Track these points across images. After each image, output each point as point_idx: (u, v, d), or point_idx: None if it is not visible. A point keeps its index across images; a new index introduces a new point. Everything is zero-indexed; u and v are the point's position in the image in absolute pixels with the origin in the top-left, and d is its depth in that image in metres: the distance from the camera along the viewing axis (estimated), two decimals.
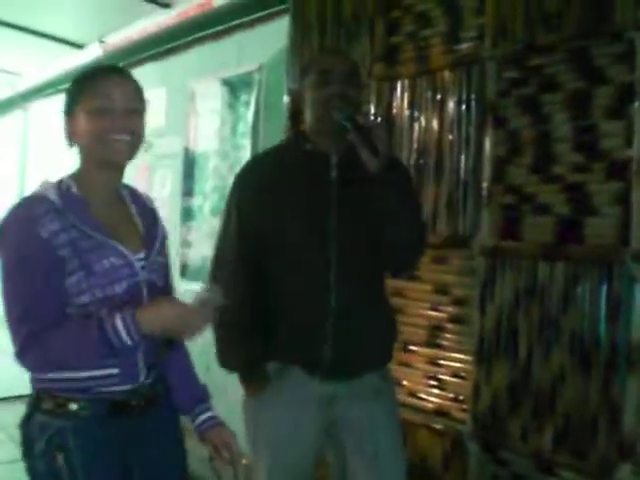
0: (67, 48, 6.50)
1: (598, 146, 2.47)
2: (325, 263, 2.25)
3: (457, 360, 2.90)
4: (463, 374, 2.89)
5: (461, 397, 2.90)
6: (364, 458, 2.32)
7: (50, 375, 1.80)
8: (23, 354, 1.74)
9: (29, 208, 1.74)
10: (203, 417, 2.03)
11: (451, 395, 2.94)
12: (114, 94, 1.78)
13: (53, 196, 1.76)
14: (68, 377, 1.79)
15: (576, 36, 2.51)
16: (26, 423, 1.84)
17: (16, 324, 1.74)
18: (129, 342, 1.70)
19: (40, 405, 1.82)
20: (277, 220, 2.29)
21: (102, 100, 1.76)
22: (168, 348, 1.84)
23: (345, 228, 2.26)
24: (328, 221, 2.26)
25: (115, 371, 1.81)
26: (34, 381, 1.85)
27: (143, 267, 1.84)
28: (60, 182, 1.83)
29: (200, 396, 2.07)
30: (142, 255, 1.86)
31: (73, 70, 6.76)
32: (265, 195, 2.32)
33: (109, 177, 1.87)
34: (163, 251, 1.97)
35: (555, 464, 2.54)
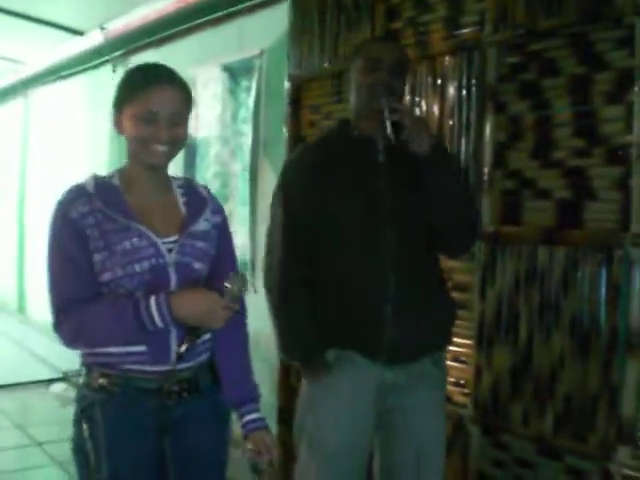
0: (68, 35, 6.49)
1: (598, 131, 2.48)
2: (382, 247, 2.25)
3: (458, 345, 2.90)
4: (464, 359, 2.91)
5: (462, 381, 2.91)
6: (409, 447, 2.35)
7: (91, 350, 1.90)
8: (57, 326, 1.86)
9: (67, 194, 1.89)
10: (250, 417, 2.04)
11: (452, 379, 2.94)
12: (161, 104, 1.85)
13: (89, 184, 1.90)
14: (99, 352, 1.88)
15: (576, 21, 2.51)
16: (75, 395, 1.96)
17: (50, 298, 1.88)
18: (161, 324, 1.78)
19: (85, 379, 1.92)
20: (330, 206, 2.30)
21: (148, 111, 1.84)
22: (194, 337, 1.85)
23: (399, 211, 2.27)
24: (382, 205, 2.27)
25: (143, 349, 1.85)
26: (81, 356, 1.94)
27: (170, 250, 1.89)
28: (106, 175, 1.97)
29: (251, 395, 2.08)
30: (173, 239, 1.91)
31: (74, 57, 6.78)
32: (318, 180, 2.33)
33: (150, 173, 1.95)
34: (208, 238, 1.99)
35: (556, 447, 2.56)
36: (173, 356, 1.87)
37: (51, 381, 5.46)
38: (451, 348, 2.91)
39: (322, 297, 2.33)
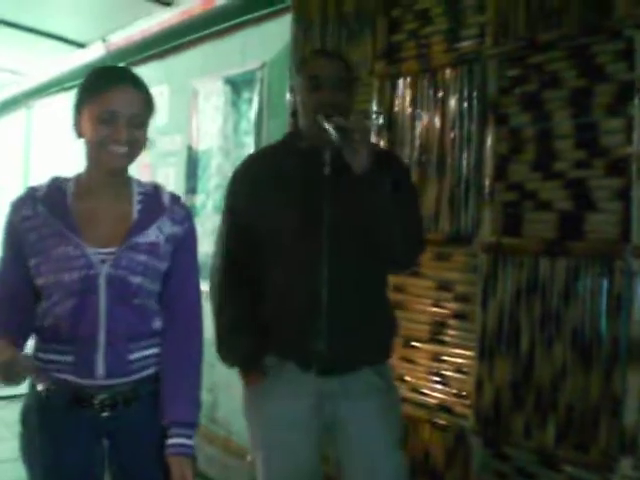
0: (70, 47, 6.51)
1: (599, 143, 2.49)
2: (317, 257, 2.26)
3: (460, 356, 2.91)
4: (466, 370, 2.90)
5: (464, 393, 2.91)
6: (355, 460, 2.35)
7: (32, 354, 1.94)
8: None
9: (18, 196, 1.94)
10: (173, 441, 1.93)
11: (454, 391, 2.95)
12: (119, 105, 1.84)
13: (42, 187, 1.93)
14: (38, 357, 1.92)
15: (576, 34, 2.52)
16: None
17: None
18: None
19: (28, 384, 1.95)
20: (270, 215, 2.31)
21: (106, 111, 1.83)
22: None
23: (338, 223, 2.26)
24: (321, 216, 2.28)
25: (69, 359, 1.86)
26: None
27: (104, 261, 1.86)
28: (64, 179, 1.98)
29: (179, 418, 1.96)
30: (111, 250, 1.88)
31: (76, 69, 6.80)
32: (259, 191, 2.35)
33: (107, 178, 1.94)
34: (155, 251, 1.94)
35: (558, 459, 2.56)
36: (99, 371, 1.86)
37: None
38: (452, 359, 2.93)
39: (263, 305, 2.35)
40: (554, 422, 2.57)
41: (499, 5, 2.77)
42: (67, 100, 7.52)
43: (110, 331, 1.86)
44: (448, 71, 3.00)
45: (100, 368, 1.86)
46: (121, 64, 6.03)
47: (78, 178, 1.97)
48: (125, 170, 1.96)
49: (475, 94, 2.88)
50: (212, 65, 4.97)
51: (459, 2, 2.98)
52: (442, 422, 2.97)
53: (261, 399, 2.37)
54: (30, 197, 1.91)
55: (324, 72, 2.32)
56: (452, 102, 2.98)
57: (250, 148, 4.49)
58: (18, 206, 1.91)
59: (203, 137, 5.05)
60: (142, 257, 1.91)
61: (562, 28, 2.56)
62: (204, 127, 5.04)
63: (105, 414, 1.89)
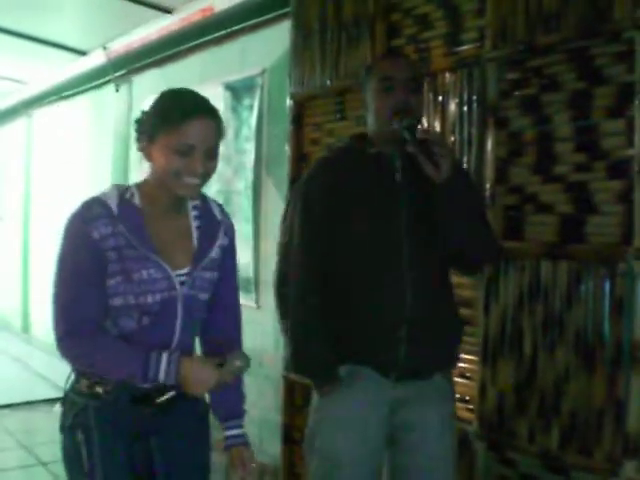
0: (71, 55, 6.53)
1: (599, 145, 2.49)
2: (399, 264, 2.24)
3: (463, 360, 2.90)
4: (469, 374, 2.90)
5: (467, 397, 2.91)
6: (419, 461, 2.33)
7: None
8: (60, 346, 1.84)
9: (88, 209, 1.83)
10: (231, 433, 2.09)
11: (457, 395, 2.94)
12: (197, 139, 1.82)
13: (113, 202, 1.85)
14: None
15: (576, 37, 2.52)
16: (63, 401, 1.97)
17: (58, 315, 1.85)
18: (164, 379, 1.81)
19: (73, 385, 1.95)
20: (346, 222, 2.29)
21: (185, 143, 1.81)
22: (175, 395, 1.90)
23: (415, 229, 2.25)
24: (398, 222, 2.26)
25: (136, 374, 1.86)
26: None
27: (183, 282, 1.90)
28: (126, 189, 1.92)
29: (234, 412, 2.11)
30: (186, 270, 1.91)
31: (77, 77, 6.82)
32: (333, 197, 2.31)
33: (174, 200, 1.94)
34: (215, 266, 2.00)
35: (562, 463, 2.55)
36: (162, 378, 1.86)
37: (55, 400, 5.45)
38: None
39: (337, 313, 2.31)
40: (558, 426, 2.57)
41: (498, 9, 2.77)
42: (68, 108, 7.55)
43: (178, 345, 1.92)
44: (448, 75, 3.00)
45: (162, 377, 1.86)
46: (121, 72, 6.06)
47: (142, 193, 1.91)
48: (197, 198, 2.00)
49: (475, 98, 2.88)
50: (212, 71, 4.98)
51: (458, 6, 2.99)
52: None
53: (335, 407, 2.33)
54: (105, 213, 1.83)
55: (397, 73, 2.27)
56: (452, 106, 2.98)
57: (250, 154, 4.50)
58: (94, 222, 1.81)
59: None
60: (208, 274, 1.97)
61: (561, 31, 2.56)
62: None
63: (159, 410, 1.93)
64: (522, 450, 2.68)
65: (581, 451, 2.49)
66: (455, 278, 2.90)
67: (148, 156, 1.88)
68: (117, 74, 6.18)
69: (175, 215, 1.96)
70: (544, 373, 2.61)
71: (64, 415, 1.95)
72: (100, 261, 1.81)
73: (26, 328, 8.61)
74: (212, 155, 1.87)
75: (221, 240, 2.02)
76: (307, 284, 2.35)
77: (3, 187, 9.71)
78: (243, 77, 4.62)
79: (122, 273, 1.82)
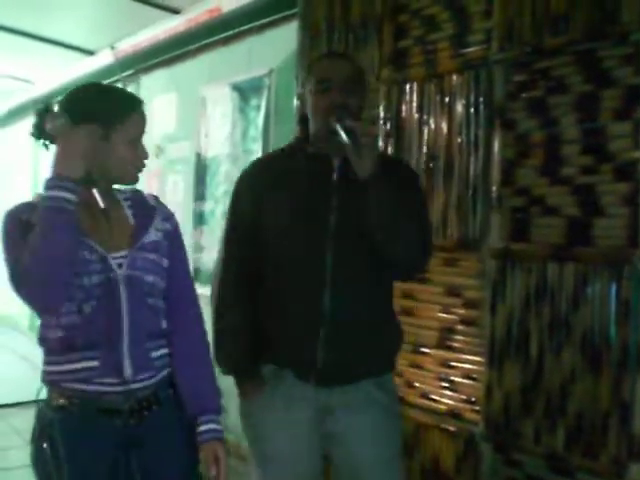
0: (79, 55, 6.55)
1: (606, 148, 2.48)
2: (320, 264, 2.22)
3: (469, 362, 2.91)
4: (475, 376, 2.90)
5: (473, 399, 2.91)
6: (348, 474, 2.32)
7: (46, 368, 1.93)
8: (18, 289, 1.88)
9: (15, 206, 1.90)
10: (204, 428, 2.02)
11: (463, 397, 2.95)
12: (142, 128, 1.96)
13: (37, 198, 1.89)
14: (52, 370, 1.92)
15: (583, 39, 2.52)
16: (36, 412, 1.96)
17: (11, 280, 1.89)
18: (63, 193, 1.77)
19: (44, 397, 1.94)
20: (275, 220, 2.29)
21: (140, 132, 1.94)
22: None
23: (344, 231, 2.23)
24: (327, 223, 2.24)
25: (95, 363, 1.86)
26: (41, 373, 1.96)
27: (120, 264, 1.90)
28: None
29: (207, 405, 2.04)
30: (123, 253, 1.92)
31: (85, 76, 6.82)
32: (265, 195, 2.31)
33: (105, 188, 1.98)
34: (159, 249, 1.99)
35: (567, 464, 2.55)
36: (127, 371, 1.87)
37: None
38: (462, 365, 2.93)
39: (263, 312, 2.32)
40: (564, 428, 2.57)
41: (505, 11, 2.77)
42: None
43: (132, 331, 1.89)
44: (455, 77, 3.00)
45: (128, 368, 1.87)
46: (129, 71, 6.07)
47: None
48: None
49: (482, 99, 2.88)
50: (219, 72, 4.99)
51: (465, 8, 2.99)
52: (452, 428, 2.96)
53: (259, 411, 2.33)
54: (28, 204, 1.90)
55: (334, 74, 2.29)
56: (459, 107, 2.98)
57: (258, 154, 4.50)
58: (22, 214, 1.85)
59: (211, 144, 5.07)
60: (151, 256, 1.96)
61: (568, 33, 2.56)
62: (212, 134, 5.06)
63: (132, 421, 1.90)
64: (528, 451, 2.68)
65: (587, 453, 2.49)
66: (461, 280, 2.92)
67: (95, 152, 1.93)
68: (125, 74, 6.19)
69: (107, 205, 1.97)
70: (550, 375, 2.61)
71: (34, 428, 1.95)
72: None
73: (33, 327, 8.63)
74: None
75: (161, 225, 2.03)
76: (232, 280, 2.36)
77: (10, 186, 9.73)
78: (250, 77, 4.62)
79: None
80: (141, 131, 1.94)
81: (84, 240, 1.86)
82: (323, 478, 2.40)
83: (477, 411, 2.88)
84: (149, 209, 2.05)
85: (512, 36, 2.75)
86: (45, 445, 1.89)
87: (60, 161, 1.81)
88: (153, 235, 1.99)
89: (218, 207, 4.93)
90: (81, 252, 1.84)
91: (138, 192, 2.10)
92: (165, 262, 2.01)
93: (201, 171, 5.17)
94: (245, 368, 2.33)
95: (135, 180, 1.98)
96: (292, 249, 2.27)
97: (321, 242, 2.23)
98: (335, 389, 2.26)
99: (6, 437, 4.86)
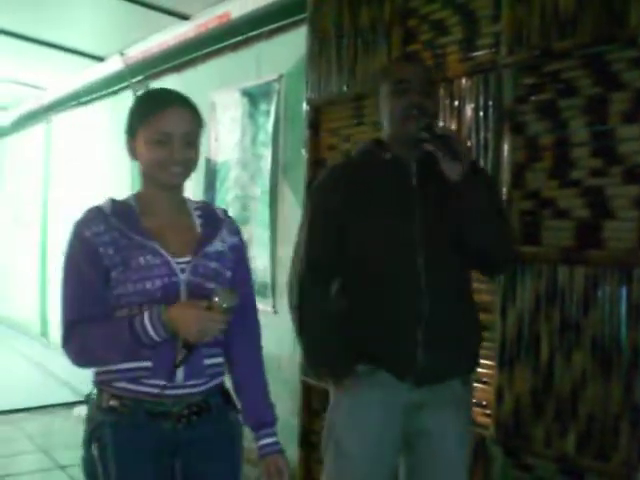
0: (88, 61, 6.59)
1: (616, 150, 2.49)
2: (414, 268, 2.25)
3: (479, 365, 2.90)
4: (486, 379, 2.90)
5: (484, 402, 2.91)
6: (434, 468, 2.35)
7: (98, 369, 1.95)
8: (64, 344, 1.90)
9: (83, 214, 1.93)
10: (265, 442, 2.06)
11: (474, 400, 2.94)
12: (172, 127, 1.91)
13: (106, 205, 1.96)
14: (104, 370, 1.93)
15: (592, 42, 2.52)
16: (86, 415, 1.98)
17: (61, 316, 1.92)
18: (156, 336, 1.80)
19: (93, 399, 1.96)
20: (359, 227, 2.31)
21: (162, 132, 1.90)
22: (188, 352, 1.84)
23: (430, 232, 2.26)
24: (413, 226, 2.26)
25: (148, 364, 1.88)
26: (93, 375, 1.98)
27: (183, 270, 1.92)
28: (123, 198, 2.02)
29: (266, 419, 2.09)
30: (187, 259, 1.94)
31: (95, 83, 6.87)
32: (348, 203, 2.33)
33: (166, 194, 2.00)
34: (222, 259, 2.01)
35: (578, 467, 2.55)
36: (179, 376, 1.89)
37: (74, 404, 5.48)
38: None
39: (355, 314, 2.34)
40: (574, 431, 2.56)
41: (514, 14, 2.77)
42: (86, 114, 7.60)
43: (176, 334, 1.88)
44: (464, 80, 3.01)
45: (179, 372, 1.89)
46: (139, 77, 6.10)
47: (138, 196, 2.01)
48: (181, 187, 2.04)
49: (491, 103, 2.88)
50: (229, 77, 5.01)
51: (474, 12, 2.99)
52: None
53: (351, 404, 2.35)
54: (97, 214, 1.92)
55: (412, 75, 2.30)
56: (468, 111, 2.98)
57: (267, 160, 4.52)
58: (87, 223, 1.90)
59: (221, 149, 5.09)
60: (213, 264, 1.98)
61: (577, 36, 2.56)
62: (222, 139, 5.07)
63: (180, 426, 1.91)
64: (539, 455, 2.68)
65: (597, 456, 2.49)
66: (473, 283, 2.91)
67: (133, 154, 1.98)
68: (134, 80, 6.22)
69: (174, 214, 2.01)
70: (561, 378, 2.61)
71: (85, 430, 1.96)
72: (94, 259, 1.87)
73: (45, 332, 8.67)
74: (190, 143, 1.94)
75: (227, 237, 2.05)
76: (319, 282, 2.39)
77: (22, 192, 9.78)
78: (260, 83, 4.64)
79: (122, 263, 1.86)
80: (166, 131, 1.90)
81: (149, 243, 1.89)
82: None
83: (488, 414, 2.88)
84: (217, 221, 2.07)
85: (521, 39, 2.75)
86: (95, 448, 1.90)
87: (181, 326, 1.81)
88: (218, 245, 2.01)
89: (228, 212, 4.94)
90: (144, 256, 1.88)
91: (208, 204, 2.17)
92: (228, 273, 2.03)
93: (211, 176, 5.19)
94: (343, 363, 2.35)
95: (171, 181, 1.95)
96: (383, 253, 2.30)
97: (411, 245, 2.26)
98: (428, 388, 2.28)
99: (18, 442, 4.87)
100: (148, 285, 1.87)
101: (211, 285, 1.94)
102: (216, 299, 1.81)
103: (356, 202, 2.32)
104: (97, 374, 1.96)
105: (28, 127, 9.40)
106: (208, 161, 5.19)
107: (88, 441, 1.92)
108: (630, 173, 2.44)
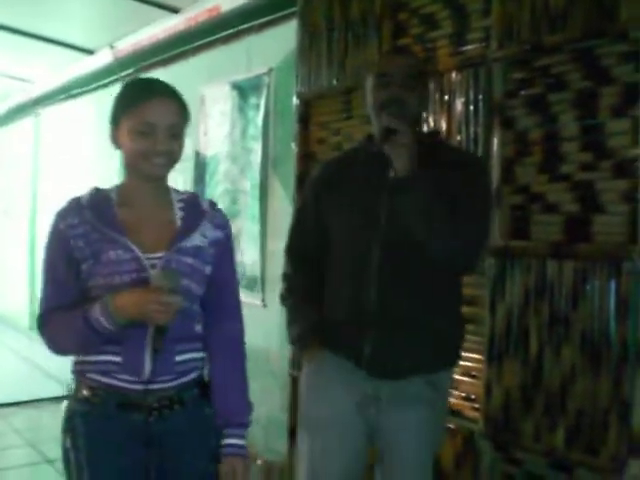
0: (78, 54, 6.55)
1: (605, 145, 2.49)
2: (368, 260, 2.25)
3: (468, 359, 2.90)
4: (475, 373, 2.91)
5: (473, 396, 2.92)
6: (387, 467, 2.34)
7: (75, 358, 1.97)
8: (40, 334, 1.95)
9: (62, 206, 1.95)
10: (228, 441, 2.02)
11: (463, 394, 2.95)
12: (157, 117, 1.88)
13: (85, 196, 1.96)
14: (79, 360, 1.95)
15: (581, 37, 2.52)
16: (64, 404, 2.00)
17: (39, 306, 1.97)
18: (107, 324, 1.81)
19: (70, 388, 1.98)
20: (335, 215, 2.35)
21: (146, 123, 1.87)
22: (160, 336, 1.84)
23: (395, 226, 2.22)
24: (377, 218, 2.25)
25: (117, 359, 1.88)
26: (71, 365, 1.99)
27: (154, 265, 1.89)
28: (105, 188, 2.02)
29: (235, 419, 2.04)
30: (159, 254, 1.91)
31: (84, 76, 6.84)
32: (324, 194, 2.39)
33: (146, 185, 1.98)
34: (200, 255, 1.97)
35: (567, 461, 2.55)
36: (146, 371, 1.87)
37: (62, 398, 5.46)
38: (461, 363, 2.91)
39: (325, 302, 2.38)
40: (563, 425, 2.57)
41: (504, 9, 2.77)
42: (75, 107, 7.57)
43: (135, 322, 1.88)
44: (454, 74, 3.01)
45: (147, 368, 1.88)
46: (128, 70, 6.08)
47: (120, 187, 2.00)
48: (165, 178, 2.01)
49: (481, 97, 2.88)
50: (219, 71, 4.99)
51: (464, 6, 2.99)
52: (451, 426, 2.96)
53: (319, 379, 2.38)
54: (75, 206, 1.93)
55: (394, 68, 2.28)
56: (458, 105, 2.98)
57: (257, 153, 4.51)
58: (63, 215, 1.92)
59: (210, 142, 5.07)
60: (189, 260, 1.94)
61: (567, 31, 2.56)
62: (211, 132, 5.06)
63: (151, 419, 1.90)
64: (528, 449, 2.68)
65: (587, 450, 2.50)
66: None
67: (117, 143, 1.96)
68: (124, 73, 6.19)
69: (155, 206, 1.99)
70: (550, 372, 2.62)
71: (62, 420, 1.97)
72: (66, 251, 1.89)
73: (33, 326, 8.61)
74: (175, 135, 1.92)
75: (210, 232, 2.01)
76: (293, 265, 2.50)
77: (11, 185, 9.74)
78: (250, 76, 4.62)
79: (92, 257, 1.87)
80: (150, 121, 1.87)
81: (120, 237, 1.88)
82: (366, 459, 2.40)
83: (477, 409, 2.89)
84: (200, 214, 2.03)
85: (511, 34, 2.75)
86: (68, 437, 1.92)
87: (126, 307, 1.81)
88: (197, 240, 1.97)
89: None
90: (115, 250, 1.87)
91: (194, 196, 2.10)
92: (207, 269, 1.99)
93: (200, 169, 5.17)
94: (309, 334, 2.38)
95: (153, 172, 1.92)
96: (344, 244, 2.33)
97: (370, 237, 2.25)
98: (386, 383, 2.27)
99: (5, 437, 4.85)
100: (117, 280, 1.86)
101: (184, 282, 1.91)
102: (157, 282, 1.82)
103: (332, 197, 2.36)
104: (74, 364, 1.96)
105: (17, 120, 9.35)
106: (197, 154, 5.18)
107: (63, 431, 1.94)
108: (619, 167, 2.44)
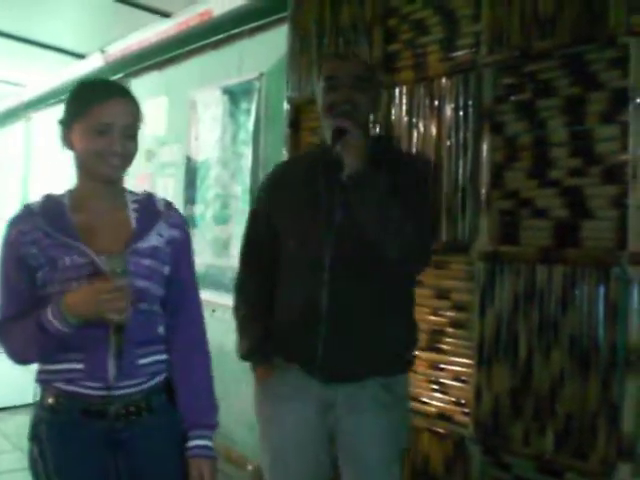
0: (69, 58, 6.54)
1: (594, 150, 2.50)
2: (319, 262, 2.23)
3: (458, 364, 2.92)
4: (464, 378, 2.91)
5: (463, 401, 2.92)
6: (349, 472, 2.32)
7: (39, 367, 1.94)
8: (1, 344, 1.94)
9: (14, 214, 1.94)
10: (193, 443, 1.98)
11: (453, 399, 2.96)
12: (113, 118, 1.86)
13: (36, 203, 1.95)
14: (42, 369, 1.93)
15: (570, 42, 2.54)
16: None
17: None
18: (60, 325, 1.78)
19: (37, 397, 1.95)
20: (287, 217, 2.33)
21: (102, 124, 1.86)
22: (120, 335, 1.82)
23: (347, 229, 2.21)
24: (330, 221, 2.23)
25: (79, 366, 1.86)
26: (36, 374, 1.96)
27: None
28: (57, 193, 2.00)
29: (199, 421, 2.01)
30: None
31: (75, 80, 6.81)
32: (275, 195, 2.39)
33: (100, 187, 1.96)
34: (157, 255, 1.95)
35: (557, 466, 2.56)
36: (110, 376, 1.86)
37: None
38: (451, 367, 2.93)
39: (275, 307, 2.37)
40: (553, 429, 2.58)
41: (494, 15, 2.78)
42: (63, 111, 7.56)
43: (125, 341, 1.86)
44: (444, 80, 3.02)
45: (111, 373, 1.85)
46: (120, 75, 6.07)
47: (72, 192, 1.99)
48: (120, 180, 1.99)
49: (471, 103, 2.89)
50: (210, 75, 4.99)
51: (454, 12, 3.00)
52: (441, 430, 2.97)
53: (270, 398, 2.37)
54: (26, 213, 1.91)
55: (341, 71, 2.28)
56: (448, 111, 2.99)
57: (248, 158, 4.51)
58: (15, 223, 1.90)
59: (201, 147, 5.07)
60: (146, 261, 1.92)
61: (556, 37, 2.58)
62: (202, 137, 5.06)
63: (118, 425, 1.88)
64: (517, 453, 2.69)
65: (576, 454, 2.50)
66: (450, 282, 2.92)
67: (69, 145, 1.95)
68: (115, 77, 6.18)
69: (108, 209, 1.96)
70: (539, 377, 2.62)
71: (29, 428, 1.95)
72: (18, 259, 1.87)
73: None
74: (131, 136, 1.91)
75: (166, 231, 1.98)
76: (251, 268, 2.46)
77: (1, 189, 9.71)
78: (241, 81, 4.63)
79: (48, 264, 1.85)
80: (107, 122, 1.85)
81: (73, 242, 1.85)
82: (331, 467, 2.37)
83: (466, 413, 2.89)
84: (154, 214, 2.00)
85: (501, 40, 2.76)
86: (34, 445, 1.90)
87: (81, 306, 1.79)
88: (153, 240, 1.95)
89: (208, 210, 4.93)
90: (70, 256, 1.84)
91: (149, 196, 2.07)
92: (166, 269, 1.97)
93: (191, 174, 5.17)
94: (256, 350, 2.37)
95: (109, 173, 1.90)
96: (295, 246, 2.31)
97: (321, 240, 2.24)
98: (340, 387, 2.26)
99: None
100: (74, 286, 1.82)
101: (143, 283, 1.90)
102: (106, 268, 1.80)
103: (283, 200, 2.36)
104: (38, 373, 1.94)
105: (8, 124, 9.32)
106: (188, 159, 5.18)
107: (29, 439, 1.92)
108: (608, 173, 2.45)
